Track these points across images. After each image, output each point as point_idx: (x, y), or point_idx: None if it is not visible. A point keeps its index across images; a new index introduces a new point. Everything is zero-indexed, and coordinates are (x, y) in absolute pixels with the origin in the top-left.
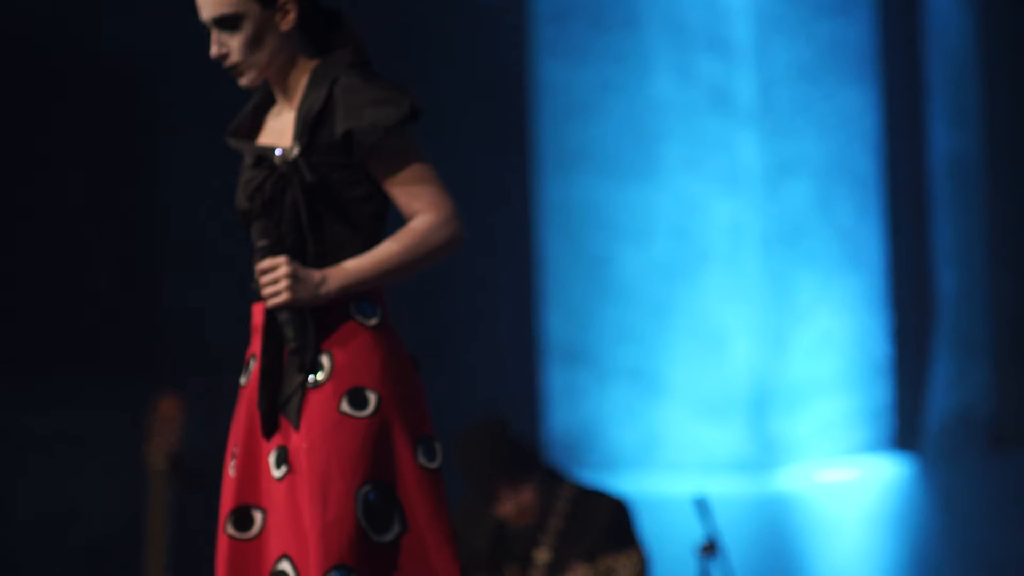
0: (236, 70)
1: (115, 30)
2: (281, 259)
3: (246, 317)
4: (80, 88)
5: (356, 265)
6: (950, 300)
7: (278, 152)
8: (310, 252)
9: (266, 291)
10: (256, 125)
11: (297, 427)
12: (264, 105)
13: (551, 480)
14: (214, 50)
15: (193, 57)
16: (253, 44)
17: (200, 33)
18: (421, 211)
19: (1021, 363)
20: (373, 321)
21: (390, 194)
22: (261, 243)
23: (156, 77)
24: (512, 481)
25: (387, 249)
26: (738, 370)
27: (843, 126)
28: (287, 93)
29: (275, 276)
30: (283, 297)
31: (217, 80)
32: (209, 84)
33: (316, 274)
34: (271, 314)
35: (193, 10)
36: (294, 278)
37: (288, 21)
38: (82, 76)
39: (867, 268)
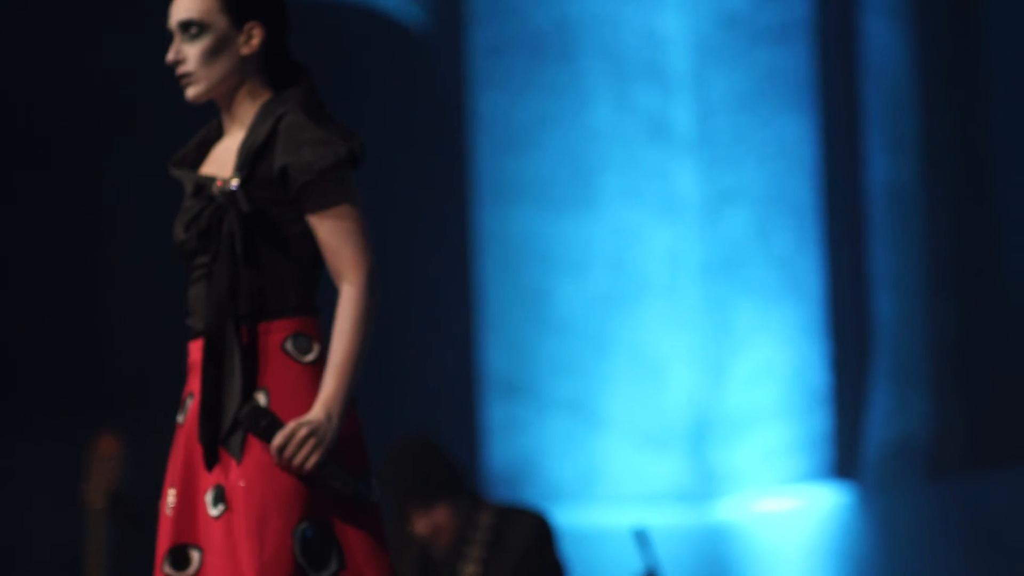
0: (187, 79)
1: (67, 63)
2: (290, 426)
3: (184, 354)
4: (23, 122)
5: (333, 380)
6: (889, 328)
7: (217, 182)
8: (244, 286)
9: (296, 461)
10: (200, 157)
11: (240, 461)
12: (211, 139)
13: (471, 503)
14: (171, 55)
15: (139, 98)
16: (210, 56)
17: (153, 73)
18: (343, 273)
19: (960, 390)
20: (310, 357)
21: (316, 236)
22: (263, 424)
23: (98, 113)
24: (424, 502)
25: (342, 346)
26: (677, 400)
27: (781, 155)
28: (235, 122)
29: (296, 443)
30: (317, 454)
31: (163, 120)
32: (154, 122)
33: (319, 413)
34: (209, 350)
35: (147, 42)
36: (313, 434)
37: (250, 46)
38: (27, 109)
39: (806, 297)
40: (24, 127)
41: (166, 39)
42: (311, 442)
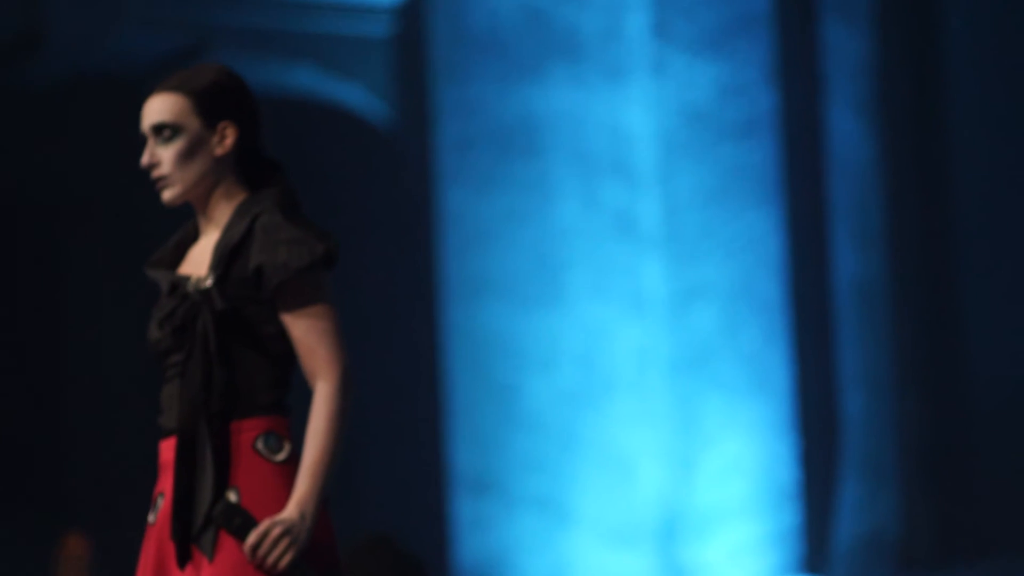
0: (163, 182)
1: (27, 171)
2: (264, 525)
3: (152, 454)
4: None
5: (307, 480)
6: (856, 423)
7: (192, 280)
8: (217, 382)
9: (270, 560)
10: (177, 259)
11: (212, 559)
12: (187, 240)
13: None
14: (145, 159)
15: (104, 203)
16: (184, 159)
17: (112, 177)
18: (317, 372)
19: (929, 485)
20: (281, 456)
21: (290, 336)
22: (236, 522)
23: (66, 221)
24: None
25: (316, 446)
26: (646, 497)
27: (748, 250)
28: (210, 222)
29: (270, 542)
30: (291, 553)
31: (128, 226)
32: (120, 230)
33: (292, 513)
34: (182, 448)
35: (106, 154)
36: (287, 533)
37: (224, 146)
38: None
39: (774, 392)
40: None
41: (137, 141)
42: (285, 541)
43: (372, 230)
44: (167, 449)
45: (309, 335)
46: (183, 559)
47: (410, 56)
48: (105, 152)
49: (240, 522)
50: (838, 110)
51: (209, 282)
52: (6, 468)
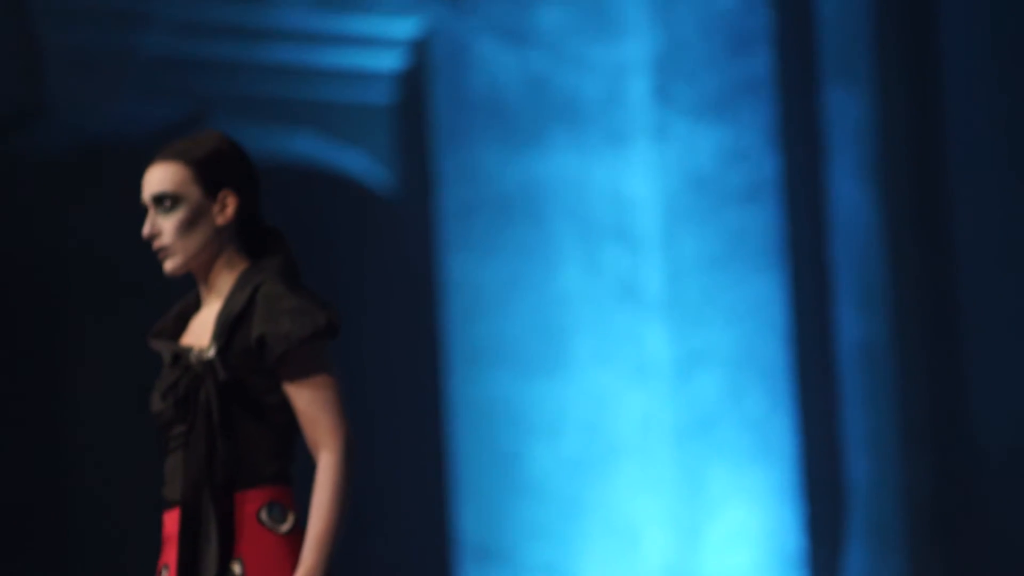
0: (164, 252)
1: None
2: None
3: (156, 525)
4: None
5: (313, 551)
6: (863, 488)
7: (194, 351)
8: (220, 453)
9: None
10: (179, 329)
11: None
12: (189, 310)
13: None
14: (146, 229)
15: (105, 272)
16: (186, 228)
17: (114, 245)
18: (321, 442)
19: (937, 550)
20: (285, 527)
21: (292, 406)
22: None
23: (66, 288)
24: None
25: (322, 517)
26: (652, 565)
27: (752, 315)
28: (212, 292)
29: None
30: None
31: (128, 295)
32: (121, 299)
33: None
34: (186, 520)
35: (99, 215)
36: None
37: (225, 216)
38: None
39: (779, 458)
40: None
41: (138, 211)
42: None
43: (374, 298)
44: (171, 521)
45: (312, 405)
46: None
47: (411, 123)
48: (106, 221)
49: None
50: (840, 175)
51: (211, 353)
52: (9, 535)
